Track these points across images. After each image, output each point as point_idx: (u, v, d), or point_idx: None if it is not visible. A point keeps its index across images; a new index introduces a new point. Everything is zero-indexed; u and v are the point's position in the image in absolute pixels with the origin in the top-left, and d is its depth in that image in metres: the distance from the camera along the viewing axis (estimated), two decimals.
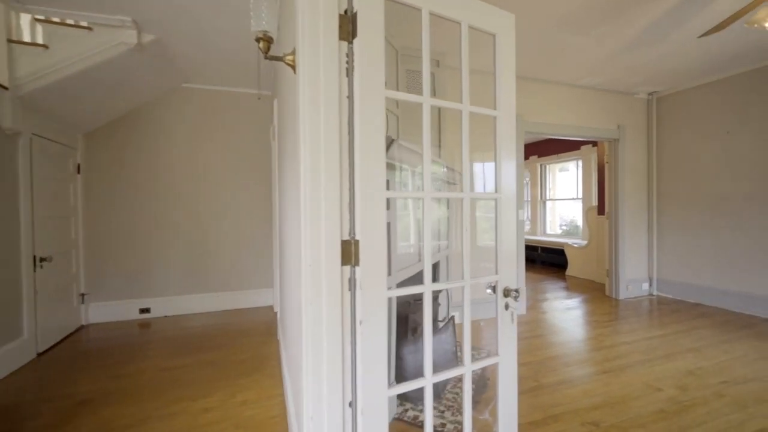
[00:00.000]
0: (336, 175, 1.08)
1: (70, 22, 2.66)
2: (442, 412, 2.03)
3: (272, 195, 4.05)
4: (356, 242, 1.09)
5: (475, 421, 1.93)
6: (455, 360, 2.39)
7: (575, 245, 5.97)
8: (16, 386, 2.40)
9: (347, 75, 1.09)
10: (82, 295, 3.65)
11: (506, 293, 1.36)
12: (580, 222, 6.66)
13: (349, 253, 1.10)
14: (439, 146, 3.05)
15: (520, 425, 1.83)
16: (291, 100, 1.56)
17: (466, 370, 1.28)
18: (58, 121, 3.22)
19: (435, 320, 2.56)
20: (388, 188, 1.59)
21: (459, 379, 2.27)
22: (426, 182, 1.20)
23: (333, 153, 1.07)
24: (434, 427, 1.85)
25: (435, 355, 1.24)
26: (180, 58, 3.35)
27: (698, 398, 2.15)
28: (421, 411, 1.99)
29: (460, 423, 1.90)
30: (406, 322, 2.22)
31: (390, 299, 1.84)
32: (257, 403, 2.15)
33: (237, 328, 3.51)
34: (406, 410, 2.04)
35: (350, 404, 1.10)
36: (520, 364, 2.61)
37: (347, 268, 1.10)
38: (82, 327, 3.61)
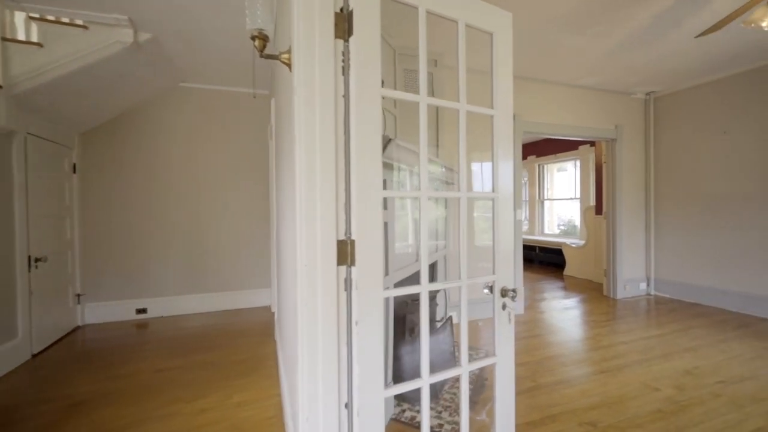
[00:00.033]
0: (332, 174, 1.07)
1: (66, 20, 2.64)
2: (440, 412, 2.03)
3: (270, 195, 4.04)
4: (352, 242, 1.08)
5: (472, 421, 1.93)
6: (453, 360, 2.38)
7: (573, 245, 5.98)
8: (9, 388, 2.37)
9: (343, 74, 1.08)
10: (78, 295, 3.62)
11: (503, 293, 1.35)
12: (578, 222, 6.67)
13: (345, 253, 1.09)
14: (437, 146, 3.04)
15: (517, 425, 1.83)
16: (287, 99, 1.55)
17: (463, 370, 1.27)
18: (53, 120, 3.19)
19: (433, 320, 2.56)
20: (385, 188, 1.58)
21: (457, 380, 2.26)
22: (422, 182, 1.19)
23: (328, 152, 1.06)
24: (432, 427, 1.85)
25: (432, 355, 1.24)
26: (177, 57, 3.33)
27: (695, 398, 2.15)
28: (419, 411, 1.99)
29: (458, 423, 1.90)
30: (403, 322, 2.21)
31: (387, 299, 1.84)
32: (254, 404, 2.13)
33: (234, 329, 3.49)
34: (404, 411, 2.03)
35: (346, 405, 1.09)
36: (518, 364, 2.60)
37: (343, 268, 1.09)
38: (78, 328, 3.58)
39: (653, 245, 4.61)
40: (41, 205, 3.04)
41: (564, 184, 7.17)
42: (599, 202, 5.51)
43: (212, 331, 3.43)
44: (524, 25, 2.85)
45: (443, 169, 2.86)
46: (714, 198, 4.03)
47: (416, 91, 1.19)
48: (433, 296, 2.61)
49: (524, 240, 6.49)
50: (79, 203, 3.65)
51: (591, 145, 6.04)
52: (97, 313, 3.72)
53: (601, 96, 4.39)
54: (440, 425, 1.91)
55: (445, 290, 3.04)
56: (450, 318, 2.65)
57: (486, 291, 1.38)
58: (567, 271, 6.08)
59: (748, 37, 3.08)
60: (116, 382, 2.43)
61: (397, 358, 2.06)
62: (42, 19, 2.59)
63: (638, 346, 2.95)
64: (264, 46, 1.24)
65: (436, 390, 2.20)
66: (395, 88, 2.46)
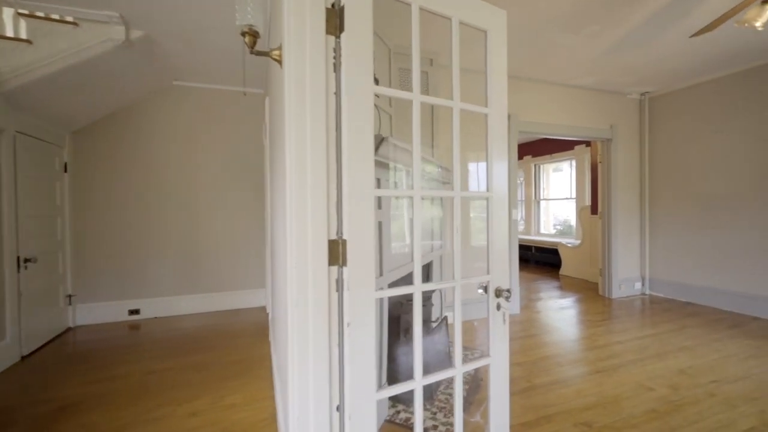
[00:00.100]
0: (323, 172, 1.05)
1: (55, 17, 2.60)
2: (435, 413, 2.01)
3: (265, 194, 4.01)
4: (344, 242, 1.06)
5: (466, 423, 1.91)
6: (448, 360, 2.37)
7: (569, 245, 6.00)
8: None
9: (334, 70, 1.06)
10: (69, 296, 3.57)
11: (498, 293, 1.34)
12: (573, 222, 6.69)
13: (336, 252, 1.07)
14: (432, 146, 3.03)
15: (512, 426, 1.82)
16: (279, 97, 1.53)
17: (457, 372, 1.26)
18: (43, 118, 3.14)
19: (428, 321, 2.54)
20: (380, 187, 1.56)
21: (452, 380, 2.25)
22: (415, 180, 1.17)
23: (319, 150, 1.04)
24: (426, 429, 1.83)
25: (428, 355, 1.22)
26: (170, 55, 3.29)
27: (689, 397, 2.16)
28: (413, 413, 1.97)
29: (453, 425, 1.88)
30: (398, 322, 2.20)
31: (382, 300, 1.82)
32: (246, 407, 2.11)
33: (229, 330, 3.46)
34: (398, 412, 2.01)
35: (338, 408, 1.08)
36: (514, 364, 2.60)
37: (334, 268, 1.07)
38: (69, 329, 3.53)
39: (648, 245, 4.63)
40: (31, 204, 2.99)
41: (560, 184, 7.19)
42: (594, 201, 5.53)
43: (206, 332, 3.39)
44: (520, 25, 2.85)
45: (439, 169, 2.85)
46: (708, 198, 4.06)
47: (411, 90, 1.17)
48: (428, 296, 2.60)
49: (520, 240, 6.48)
50: (70, 203, 3.60)
51: (586, 145, 6.06)
52: (89, 314, 3.67)
53: (597, 96, 4.40)
54: (435, 426, 1.89)
55: (440, 290, 3.03)
56: (445, 318, 2.63)
57: (480, 291, 1.37)
58: (563, 271, 6.09)
59: (743, 37, 3.09)
60: (107, 384, 2.39)
61: (392, 359, 2.04)
62: (31, 16, 2.54)
63: (633, 346, 2.96)
64: (254, 43, 1.22)
65: (431, 391, 2.19)
66: (390, 87, 2.44)
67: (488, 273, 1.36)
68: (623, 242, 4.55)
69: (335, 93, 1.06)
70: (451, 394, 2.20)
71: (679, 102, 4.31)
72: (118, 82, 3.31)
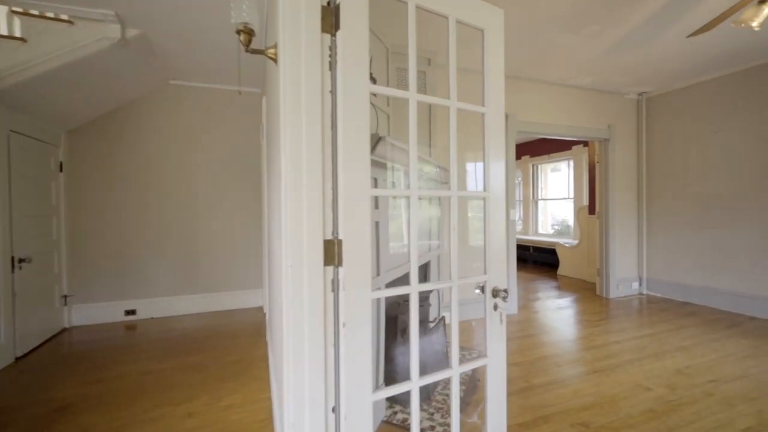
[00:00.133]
0: (318, 171, 1.04)
1: (50, 15, 2.58)
2: (432, 414, 2.00)
3: (263, 194, 3.99)
4: (339, 242, 1.05)
5: (463, 424, 1.91)
6: (446, 361, 2.36)
7: (567, 245, 6.00)
8: None
9: (330, 69, 1.05)
10: (65, 296, 3.54)
11: (495, 293, 1.33)
12: (571, 222, 6.70)
13: (332, 253, 1.06)
14: (430, 146, 3.02)
15: (509, 427, 1.81)
16: (275, 96, 1.52)
17: (454, 372, 1.25)
18: (38, 117, 3.12)
19: (425, 321, 2.53)
20: (377, 186, 1.55)
21: (450, 380, 2.24)
22: (412, 180, 1.17)
23: (315, 148, 1.03)
24: (423, 430, 1.82)
25: (425, 356, 1.22)
26: (167, 54, 3.27)
27: (687, 397, 2.16)
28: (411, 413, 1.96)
29: (450, 425, 1.87)
30: (395, 322, 2.19)
31: (379, 300, 1.82)
32: (243, 407, 2.09)
33: (226, 330, 3.44)
34: (396, 413, 2.00)
35: (333, 409, 1.07)
36: (511, 365, 2.59)
37: (330, 268, 1.06)
38: (64, 330, 3.51)
39: (645, 245, 4.64)
40: (25, 204, 2.97)
41: (558, 184, 7.20)
42: (592, 201, 5.53)
43: (203, 333, 3.37)
44: (519, 25, 2.84)
45: (438, 169, 2.84)
46: (706, 198, 4.06)
47: (408, 89, 1.16)
48: (426, 296, 2.59)
49: (518, 240, 6.50)
50: (66, 202, 3.58)
51: (584, 145, 6.07)
52: (84, 314, 3.65)
53: (594, 96, 4.41)
54: (432, 427, 1.89)
55: (438, 290, 3.02)
56: (443, 318, 2.63)
57: (477, 291, 1.36)
58: (560, 271, 6.10)
59: (740, 37, 3.10)
60: (103, 385, 2.37)
61: (389, 360, 2.03)
62: (25, 14, 2.53)
63: (631, 346, 2.96)
64: (249, 41, 1.21)
65: (428, 391, 2.18)
66: (388, 87, 2.43)
67: (485, 273, 1.35)
68: (621, 242, 4.56)
69: (331, 91, 1.05)
70: (448, 395, 2.19)
71: (676, 102, 4.32)
72: (114, 81, 3.29)
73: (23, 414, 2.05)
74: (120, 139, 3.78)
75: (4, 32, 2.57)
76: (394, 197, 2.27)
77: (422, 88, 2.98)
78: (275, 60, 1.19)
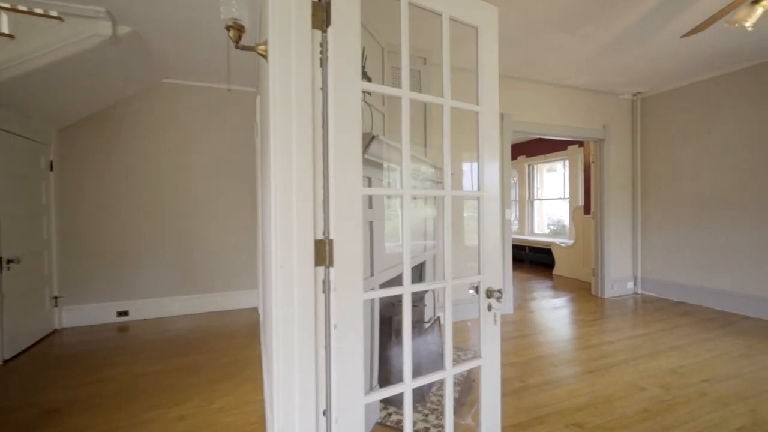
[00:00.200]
0: (308, 170, 1.02)
1: (39, 11, 2.53)
2: (426, 415, 1.99)
3: (257, 194, 3.96)
4: (330, 242, 1.03)
5: (457, 425, 1.89)
6: (441, 361, 2.34)
7: (562, 245, 6.02)
8: None
9: (321, 65, 1.03)
10: (55, 297, 3.49)
11: (489, 294, 1.32)
12: (567, 221, 6.72)
13: (323, 253, 1.04)
14: (425, 146, 3.01)
15: (504, 428, 1.80)
16: (266, 93, 1.49)
17: (447, 374, 1.24)
18: (27, 115, 3.07)
19: (420, 321, 2.52)
20: (371, 186, 1.53)
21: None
22: (404, 179, 1.15)
23: (305, 146, 1.01)
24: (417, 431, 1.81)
25: (420, 356, 1.20)
26: (160, 52, 3.23)
27: (681, 397, 2.16)
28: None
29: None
30: (390, 323, 2.17)
31: (373, 300, 1.80)
32: (236, 410, 2.07)
33: (220, 331, 3.41)
34: (390, 414, 1.99)
35: (324, 412, 1.05)
36: (507, 365, 2.59)
37: (321, 269, 1.04)
38: (55, 331, 3.46)
39: (640, 245, 4.66)
40: (14, 204, 2.92)
41: (553, 184, 7.22)
42: (587, 202, 5.55)
43: (197, 334, 3.34)
44: (513, 24, 2.84)
45: (433, 169, 2.83)
46: (699, 198, 4.09)
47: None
48: (420, 297, 2.58)
49: (514, 240, 6.50)
50: (57, 202, 3.52)
51: (580, 146, 6.09)
52: (75, 316, 3.59)
53: (590, 96, 4.42)
54: (426, 429, 1.87)
55: (433, 291, 3.01)
56: (438, 319, 2.61)
57: (471, 292, 1.35)
58: (556, 271, 6.11)
59: (734, 37, 3.12)
60: (93, 388, 2.33)
61: (383, 361, 2.02)
62: (13, 9, 2.47)
63: (625, 345, 2.96)
64: (239, 37, 1.19)
65: (423, 392, 2.17)
66: (384, 86, 2.41)
67: (479, 273, 1.34)
68: (616, 242, 4.58)
69: (322, 88, 1.03)
70: (443, 396, 2.18)
71: (671, 102, 4.34)
72: (105, 79, 3.25)
73: (10, 418, 2.01)
74: (112, 138, 3.73)
75: None
76: (390, 197, 2.25)
77: (417, 87, 2.96)
78: (265, 56, 1.17)
